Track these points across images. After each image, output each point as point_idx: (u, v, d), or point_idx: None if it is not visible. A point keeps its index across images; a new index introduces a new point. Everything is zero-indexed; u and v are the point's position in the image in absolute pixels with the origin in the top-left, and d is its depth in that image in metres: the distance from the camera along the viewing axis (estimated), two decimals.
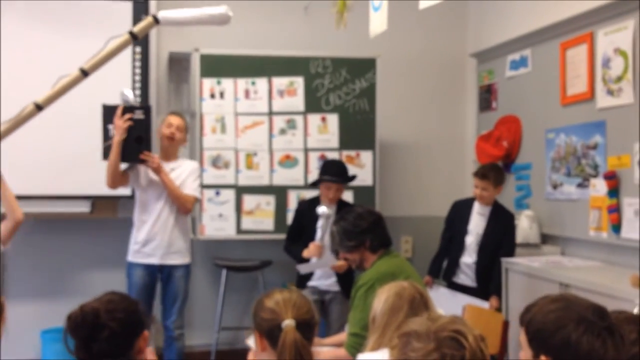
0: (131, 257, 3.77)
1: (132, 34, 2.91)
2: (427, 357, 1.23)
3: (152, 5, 4.38)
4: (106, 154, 3.67)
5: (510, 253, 3.81)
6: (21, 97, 4.03)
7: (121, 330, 1.67)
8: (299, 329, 1.66)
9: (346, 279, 3.68)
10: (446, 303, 3.70)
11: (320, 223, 3.64)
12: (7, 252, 4.23)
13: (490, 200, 3.89)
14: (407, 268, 2.88)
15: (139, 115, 3.61)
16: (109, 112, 3.67)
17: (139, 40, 3.06)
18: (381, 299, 2.10)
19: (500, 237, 3.82)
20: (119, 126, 3.56)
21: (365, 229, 2.87)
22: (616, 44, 3.48)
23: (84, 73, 2.83)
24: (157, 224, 3.74)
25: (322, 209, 3.62)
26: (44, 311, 4.31)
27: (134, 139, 3.59)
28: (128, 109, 3.60)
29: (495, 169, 3.96)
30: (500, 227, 3.82)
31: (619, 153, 3.46)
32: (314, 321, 1.74)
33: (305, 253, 3.64)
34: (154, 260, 3.75)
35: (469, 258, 3.89)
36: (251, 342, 1.80)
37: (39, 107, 2.81)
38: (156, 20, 2.90)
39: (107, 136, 3.70)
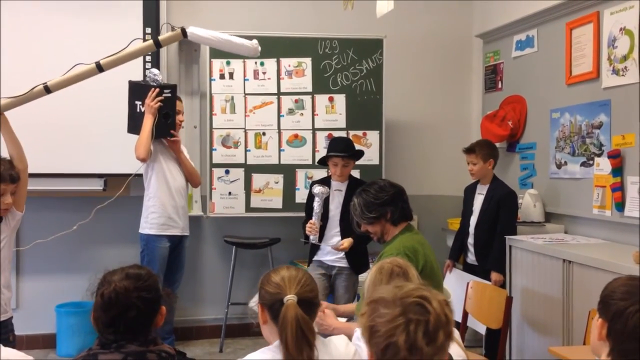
0: (156, 231, 3.90)
1: (156, 41, 2.93)
2: (393, 322, 1.27)
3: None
4: (131, 127, 3.85)
5: (508, 228, 3.84)
6: (28, 76, 4.15)
7: (146, 309, 1.72)
8: (301, 305, 1.68)
9: (355, 254, 3.75)
10: (455, 283, 3.79)
11: (315, 202, 3.70)
12: (23, 228, 4.33)
13: (482, 175, 3.96)
14: (427, 245, 2.93)
15: (166, 94, 3.82)
16: (135, 89, 3.83)
17: (162, 47, 3.13)
18: (369, 277, 2.15)
19: (496, 214, 3.86)
20: (151, 106, 3.75)
21: (387, 201, 2.90)
22: (622, 23, 3.51)
23: (99, 68, 2.84)
24: (180, 197, 3.98)
25: (317, 188, 3.70)
26: (59, 286, 4.42)
27: (162, 116, 3.81)
28: (160, 89, 3.79)
29: (482, 143, 4.02)
30: (495, 204, 3.87)
31: (623, 132, 3.51)
32: (316, 300, 1.78)
33: (307, 232, 3.75)
34: (178, 232, 3.98)
35: (471, 237, 3.98)
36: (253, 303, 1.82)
37: (47, 90, 2.82)
38: (184, 34, 2.90)
39: (133, 111, 3.85)
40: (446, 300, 1.35)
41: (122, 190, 3.67)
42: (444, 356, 1.30)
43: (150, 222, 3.91)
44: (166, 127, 3.85)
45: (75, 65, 2.82)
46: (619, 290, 1.49)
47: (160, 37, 2.96)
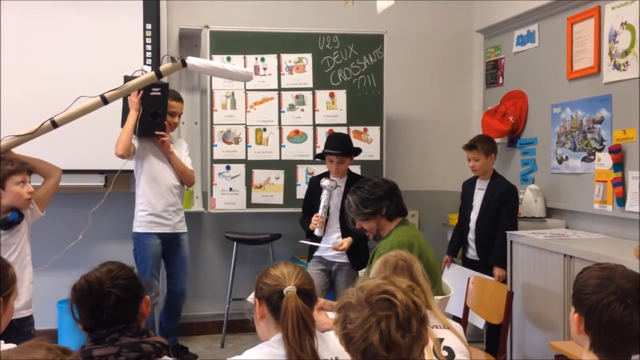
0: (144, 229, 3.90)
1: (157, 72, 3.03)
2: (365, 324, 1.27)
3: None
4: (124, 122, 3.81)
5: (510, 223, 3.84)
6: (28, 74, 4.18)
7: (125, 296, 1.73)
8: (299, 296, 1.70)
9: (355, 250, 3.75)
10: (456, 278, 3.79)
11: (323, 195, 3.70)
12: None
13: (484, 170, 3.96)
14: (422, 239, 2.95)
15: (156, 92, 3.74)
16: None
17: (163, 77, 3.18)
18: (373, 270, 2.17)
19: (497, 209, 3.86)
20: (134, 102, 3.71)
21: (381, 196, 2.93)
22: (623, 17, 3.50)
23: (104, 100, 2.93)
24: (171, 195, 3.94)
25: (326, 182, 3.69)
26: (61, 282, 4.39)
27: (149, 114, 3.75)
28: (147, 87, 3.69)
29: (483, 139, 4.02)
30: (497, 199, 3.87)
31: (624, 127, 3.50)
32: (313, 293, 1.79)
33: (311, 226, 3.73)
34: (168, 229, 3.95)
35: (472, 233, 3.98)
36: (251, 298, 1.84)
37: (54, 124, 2.92)
38: (184, 64, 3.03)
39: (126, 106, 3.83)
40: (411, 285, 1.36)
41: (120, 186, 3.68)
42: (423, 342, 1.31)
43: (139, 220, 3.92)
44: (153, 126, 3.79)
45: (79, 98, 2.91)
46: (590, 283, 1.48)
47: (161, 68, 3.06)
